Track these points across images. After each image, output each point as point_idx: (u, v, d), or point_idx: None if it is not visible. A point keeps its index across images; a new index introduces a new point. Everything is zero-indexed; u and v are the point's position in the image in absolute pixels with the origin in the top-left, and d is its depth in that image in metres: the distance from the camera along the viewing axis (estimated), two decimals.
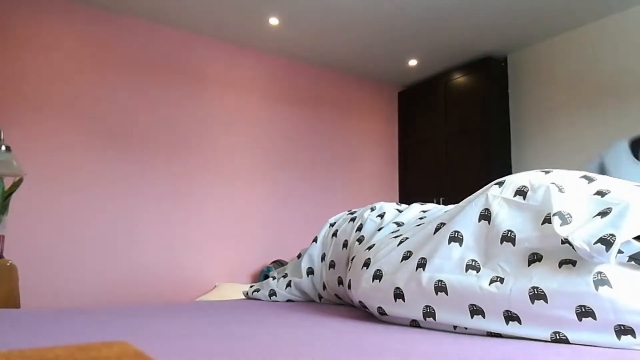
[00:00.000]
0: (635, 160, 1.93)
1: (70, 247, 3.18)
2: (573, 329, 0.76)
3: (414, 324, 1.02)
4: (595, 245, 0.72)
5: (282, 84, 4.21)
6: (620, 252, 0.73)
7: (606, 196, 0.82)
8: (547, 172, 0.95)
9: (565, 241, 0.77)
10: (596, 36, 3.58)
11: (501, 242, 0.89)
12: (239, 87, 3.99)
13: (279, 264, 3.76)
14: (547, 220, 0.83)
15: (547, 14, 3.50)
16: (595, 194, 0.84)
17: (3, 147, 1.93)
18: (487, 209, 0.95)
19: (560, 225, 0.79)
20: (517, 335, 0.82)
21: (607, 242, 0.71)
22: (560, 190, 0.87)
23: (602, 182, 0.89)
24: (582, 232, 0.75)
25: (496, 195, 0.96)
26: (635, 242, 0.72)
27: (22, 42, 3.18)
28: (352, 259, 1.32)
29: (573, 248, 0.75)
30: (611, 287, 0.72)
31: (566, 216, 0.81)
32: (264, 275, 3.52)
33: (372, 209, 1.49)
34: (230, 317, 1.18)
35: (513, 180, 0.96)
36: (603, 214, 0.78)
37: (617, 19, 3.47)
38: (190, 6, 3.42)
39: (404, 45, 4.02)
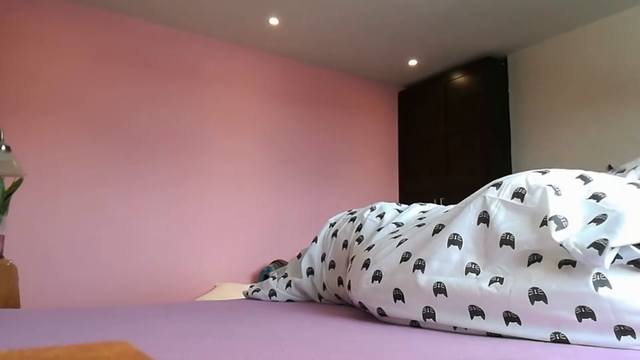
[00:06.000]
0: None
1: (70, 247, 3.18)
2: (573, 329, 0.76)
3: (414, 324, 1.02)
4: (589, 249, 0.72)
5: (282, 84, 4.21)
6: (619, 257, 0.73)
7: (601, 200, 0.83)
8: (543, 173, 0.95)
9: (561, 246, 0.78)
10: (596, 36, 3.58)
11: (500, 245, 0.89)
12: (239, 87, 3.99)
13: (279, 264, 3.76)
14: (545, 222, 0.84)
15: (547, 14, 3.50)
16: (590, 198, 0.85)
17: (3, 147, 1.93)
18: (485, 212, 0.95)
19: (556, 230, 0.80)
20: (517, 336, 0.83)
21: (600, 246, 0.71)
22: (557, 192, 0.87)
23: (597, 183, 0.89)
24: (576, 238, 0.76)
25: (494, 197, 0.96)
26: (635, 248, 0.73)
27: (21, 41, 3.18)
28: (351, 259, 1.32)
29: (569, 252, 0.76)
30: (611, 288, 0.72)
31: (562, 220, 0.81)
32: (264, 275, 3.52)
33: (372, 209, 1.49)
34: (230, 317, 1.18)
35: (510, 182, 0.96)
36: (598, 220, 0.78)
37: (617, 19, 3.47)
38: (190, 6, 3.42)
39: (404, 45, 4.02)
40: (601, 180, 0.90)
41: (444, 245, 0.97)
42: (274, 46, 4.05)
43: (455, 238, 0.97)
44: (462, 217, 0.99)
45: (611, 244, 0.70)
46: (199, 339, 0.84)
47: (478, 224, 0.95)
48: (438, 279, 0.93)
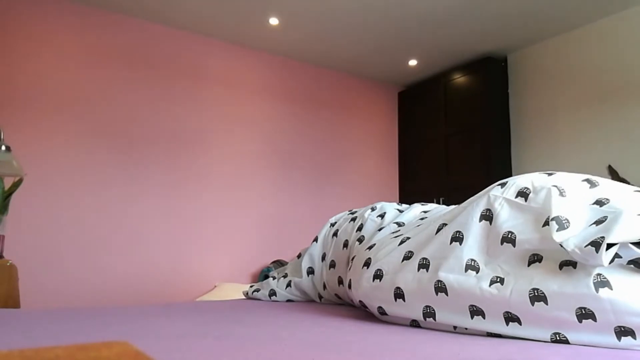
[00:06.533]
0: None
1: (70, 247, 3.18)
2: (573, 330, 0.76)
3: (414, 324, 1.02)
4: (586, 248, 0.72)
5: (282, 84, 4.21)
6: (619, 256, 0.73)
7: (604, 206, 0.83)
8: (550, 175, 0.95)
9: (560, 246, 0.78)
10: (596, 36, 3.58)
11: (502, 243, 0.89)
12: (238, 87, 3.99)
13: (279, 264, 3.76)
14: (548, 222, 0.84)
15: (547, 14, 3.50)
16: (594, 204, 0.85)
17: (3, 147, 1.93)
18: (488, 209, 0.96)
19: (557, 231, 0.80)
20: (517, 336, 0.83)
21: (597, 243, 0.71)
22: (562, 194, 0.88)
23: (603, 188, 0.89)
24: (575, 238, 0.76)
25: (498, 195, 0.96)
26: (634, 247, 0.73)
27: (22, 43, 3.18)
28: (352, 259, 1.32)
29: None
30: (611, 289, 0.72)
31: (564, 221, 0.81)
32: (264, 275, 3.52)
33: (373, 209, 1.49)
34: (230, 317, 1.18)
35: (516, 182, 0.97)
36: (598, 222, 0.78)
37: (617, 19, 3.47)
38: (190, 6, 3.42)
39: (404, 45, 4.01)
40: (607, 186, 0.90)
41: (446, 242, 0.98)
42: (274, 46, 4.05)
43: (457, 235, 0.97)
44: (466, 215, 0.99)
45: (607, 240, 0.70)
46: (199, 339, 0.84)
47: (480, 221, 0.96)
48: (439, 277, 0.93)
